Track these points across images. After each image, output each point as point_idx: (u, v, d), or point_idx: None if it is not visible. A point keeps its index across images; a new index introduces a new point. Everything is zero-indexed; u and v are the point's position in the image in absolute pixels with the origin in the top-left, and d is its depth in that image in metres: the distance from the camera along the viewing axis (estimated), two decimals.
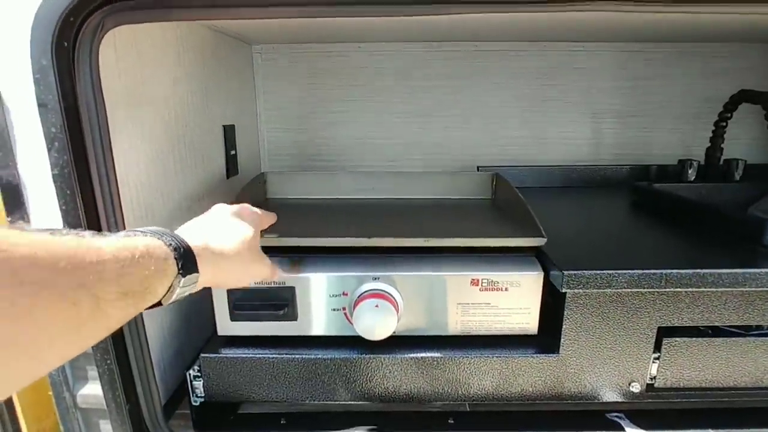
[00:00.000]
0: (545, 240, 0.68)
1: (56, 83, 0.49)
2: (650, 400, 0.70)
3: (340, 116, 1.31)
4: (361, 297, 0.66)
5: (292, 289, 0.68)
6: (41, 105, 0.49)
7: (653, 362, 0.68)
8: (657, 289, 0.63)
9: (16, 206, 0.53)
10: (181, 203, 0.80)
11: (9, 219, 0.53)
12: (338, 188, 1.03)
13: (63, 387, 0.61)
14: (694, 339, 0.67)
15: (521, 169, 1.27)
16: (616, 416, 0.72)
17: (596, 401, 0.69)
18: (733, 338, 0.67)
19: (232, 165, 1.06)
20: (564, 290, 0.63)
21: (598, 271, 0.62)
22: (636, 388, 0.69)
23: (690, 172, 1.09)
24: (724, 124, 1.05)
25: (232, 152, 1.07)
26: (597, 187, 1.24)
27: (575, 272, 0.62)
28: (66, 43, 0.48)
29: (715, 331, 0.68)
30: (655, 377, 0.69)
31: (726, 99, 1.07)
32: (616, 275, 0.62)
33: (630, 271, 0.62)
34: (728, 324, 0.67)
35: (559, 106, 1.29)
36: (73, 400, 0.63)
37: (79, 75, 0.50)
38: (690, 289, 0.63)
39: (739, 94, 1.00)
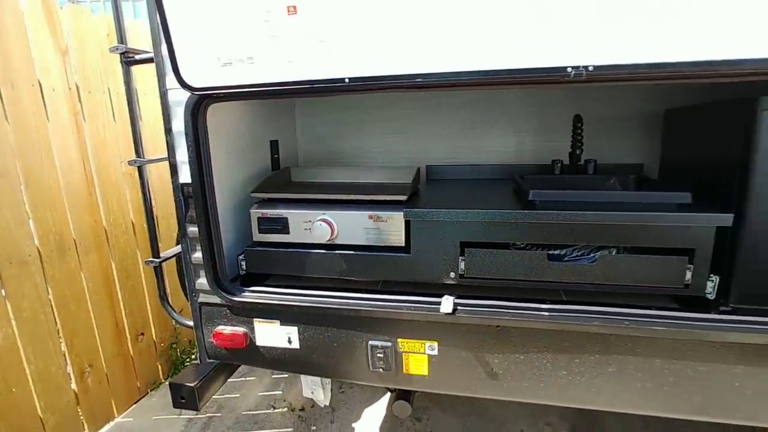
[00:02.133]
0: (406, 197, 1.34)
1: (192, 125, 1.27)
2: (463, 284, 1.31)
3: (348, 135, 2.04)
4: (315, 221, 1.37)
5: (286, 219, 1.42)
6: (186, 133, 1.28)
7: (461, 262, 1.30)
8: (453, 219, 1.26)
9: (175, 174, 1.33)
10: (241, 181, 1.58)
11: (172, 180, 1.34)
12: (331, 175, 1.75)
13: (187, 253, 1.41)
14: (483, 249, 1.27)
15: (461, 167, 1.90)
16: (447, 294, 1.33)
17: (433, 281, 1.32)
18: (504, 250, 1.27)
19: (275, 163, 1.84)
20: (406, 219, 1.29)
21: (419, 210, 1.27)
22: (452, 276, 1.31)
23: (557, 168, 1.64)
24: (579, 136, 1.58)
25: (276, 156, 1.84)
26: (509, 179, 1.82)
27: (408, 210, 1.27)
28: (196, 111, 1.27)
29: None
30: (464, 271, 1.30)
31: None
32: (426, 212, 1.26)
33: (436, 210, 1.26)
34: (497, 241, 1.26)
35: (490, 124, 1.89)
36: (190, 260, 1.42)
37: (199, 122, 1.28)
38: (470, 220, 1.25)
39: (575, 117, 1.54)
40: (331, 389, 2.50)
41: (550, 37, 1.00)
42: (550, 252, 1.26)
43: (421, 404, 2.34)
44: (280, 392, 2.50)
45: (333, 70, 1.11)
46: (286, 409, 2.37)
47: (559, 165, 1.64)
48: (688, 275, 1.18)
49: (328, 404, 1.90)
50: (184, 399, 1.55)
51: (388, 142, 2.00)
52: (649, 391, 1.22)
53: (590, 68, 0.99)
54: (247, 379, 2.63)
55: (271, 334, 1.42)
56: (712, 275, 1.18)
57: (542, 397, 1.29)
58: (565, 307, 1.21)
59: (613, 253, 1.25)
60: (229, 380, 2.59)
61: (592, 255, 1.25)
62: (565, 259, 1.27)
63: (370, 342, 1.35)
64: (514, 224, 1.24)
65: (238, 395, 2.50)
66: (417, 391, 1.78)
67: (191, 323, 1.51)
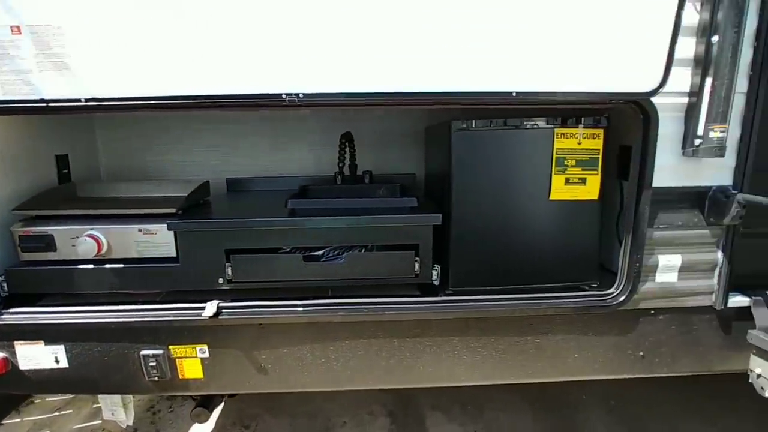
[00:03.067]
0: (174, 211, 1.41)
1: None
2: (236, 288, 1.41)
3: (155, 149, 2.05)
4: (81, 237, 1.37)
5: (51, 236, 1.39)
6: None
7: (228, 268, 1.40)
8: (214, 229, 1.36)
9: None
10: (8, 198, 1.49)
11: None
12: (119, 189, 1.75)
13: None
14: (245, 255, 1.39)
15: (261, 179, 2.03)
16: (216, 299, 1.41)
17: (205, 288, 1.41)
18: (264, 255, 1.39)
19: (64, 177, 1.77)
20: (172, 231, 1.36)
21: (181, 221, 1.35)
22: (221, 281, 1.40)
23: (339, 178, 1.85)
24: (352, 150, 1.81)
25: (64, 171, 1.78)
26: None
27: (170, 222, 1.35)
28: None
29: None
30: (231, 276, 1.40)
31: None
32: (188, 223, 1.35)
33: (197, 221, 1.35)
34: (262, 247, 1.39)
35: (292, 139, 2.04)
36: None
37: None
38: (230, 229, 1.36)
39: (345, 134, 1.77)
40: (159, 409, 2.45)
41: (270, 70, 1.16)
42: (307, 254, 1.42)
43: (251, 411, 2.39)
44: (100, 422, 2.36)
45: (69, 90, 1.15)
46: None
47: (339, 176, 1.85)
48: (417, 266, 1.42)
49: (131, 424, 1.85)
50: None
51: (196, 156, 2.05)
52: (393, 367, 1.43)
53: (300, 95, 1.17)
54: (63, 412, 2.43)
55: (36, 356, 1.37)
56: (435, 265, 1.44)
57: (308, 385, 1.44)
58: (316, 302, 1.37)
59: (362, 251, 1.45)
60: (38, 416, 2.39)
61: (345, 254, 1.44)
62: (323, 259, 1.44)
63: (142, 352, 1.38)
64: (272, 231, 1.38)
65: None
66: (221, 398, 1.84)
67: None
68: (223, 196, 1.86)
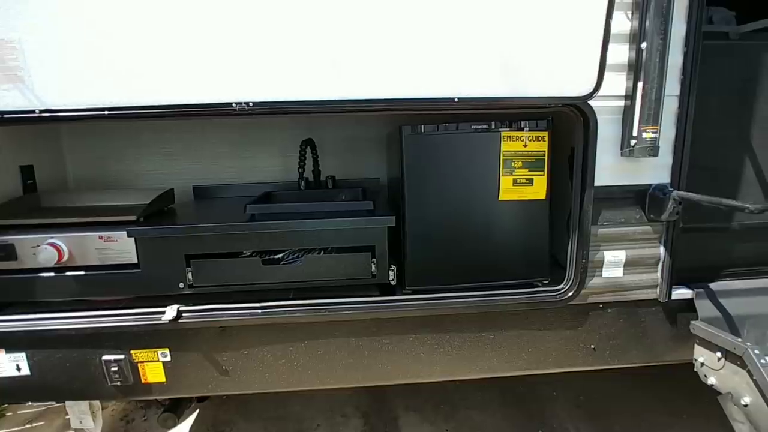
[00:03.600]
0: (134, 218, 1.44)
1: None
2: (198, 293, 1.43)
3: (125, 158, 2.07)
4: (42, 246, 1.40)
5: (12, 245, 1.41)
6: None
7: (189, 273, 1.43)
8: (173, 234, 1.39)
9: None
10: None
11: None
12: (83, 199, 1.77)
13: None
14: (205, 260, 1.42)
15: (229, 185, 2.06)
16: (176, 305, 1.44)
17: (167, 293, 1.43)
18: (224, 259, 1.43)
19: (29, 187, 1.79)
20: (131, 237, 1.39)
21: (140, 228, 1.38)
22: (182, 286, 1.43)
23: (302, 184, 1.89)
24: (314, 156, 1.86)
25: (30, 181, 1.80)
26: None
27: (130, 228, 1.38)
28: None
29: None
30: (192, 280, 1.43)
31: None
32: (147, 230, 1.38)
33: (156, 227, 1.38)
34: (222, 251, 1.43)
35: (260, 147, 2.08)
36: None
37: None
38: (189, 234, 1.40)
39: (305, 141, 1.82)
40: (132, 418, 2.45)
41: (221, 78, 1.21)
42: (266, 257, 1.46)
43: (225, 417, 2.40)
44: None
45: (23, 102, 1.18)
46: None
47: (302, 182, 1.89)
48: (374, 267, 1.47)
49: None
50: None
51: (165, 164, 2.08)
52: (352, 366, 1.47)
53: (250, 104, 1.21)
54: (35, 424, 2.42)
55: None
56: (392, 266, 1.48)
57: (270, 386, 1.48)
58: (274, 304, 1.41)
59: (321, 254, 1.49)
60: (10, 429, 2.37)
61: (303, 257, 1.48)
62: (282, 262, 1.48)
63: (104, 357, 1.40)
64: (230, 235, 1.42)
65: None
66: (189, 403, 1.86)
67: None
68: (188, 204, 1.89)
